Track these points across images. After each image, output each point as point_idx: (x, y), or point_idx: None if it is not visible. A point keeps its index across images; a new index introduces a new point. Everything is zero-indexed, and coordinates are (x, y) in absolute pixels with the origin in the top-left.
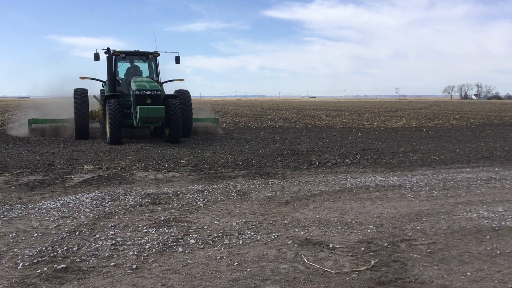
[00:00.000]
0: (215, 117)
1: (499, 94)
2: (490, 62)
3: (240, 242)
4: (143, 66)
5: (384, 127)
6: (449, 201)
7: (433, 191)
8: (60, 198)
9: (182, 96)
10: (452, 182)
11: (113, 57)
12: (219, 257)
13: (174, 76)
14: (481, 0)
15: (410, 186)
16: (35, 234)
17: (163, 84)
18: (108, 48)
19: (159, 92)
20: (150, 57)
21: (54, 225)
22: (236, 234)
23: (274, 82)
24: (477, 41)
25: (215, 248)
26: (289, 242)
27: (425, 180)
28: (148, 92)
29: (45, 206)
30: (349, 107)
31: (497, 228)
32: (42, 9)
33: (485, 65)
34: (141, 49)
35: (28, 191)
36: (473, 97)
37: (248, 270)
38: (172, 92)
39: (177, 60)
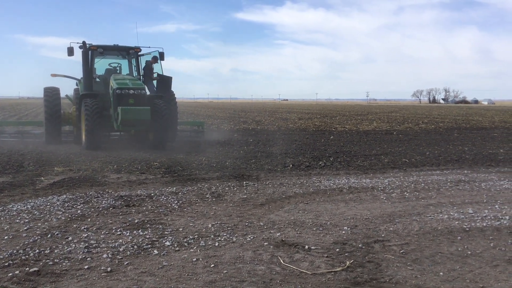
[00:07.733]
0: (200, 120)
1: (466, 98)
2: (457, 67)
3: (216, 244)
4: (123, 63)
5: (355, 130)
6: (421, 202)
7: (405, 193)
8: (30, 200)
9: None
10: (423, 184)
11: (89, 51)
12: (195, 259)
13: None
14: (448, 6)
15: (382, 188)
16: (6, 237)
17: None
18: (83, 42)
19: (144, 91)
20: (131, 53)
21: (25, 228)
22: (212, 236)
23: (247, 85)
24: (445, 46)
25: (191, 250)
26: (265, 243)
27: (397, 182)
28: (131, 91)
29: (15, 209)
30: (321, 110)
31: (467, 229)
32: (7, 7)
33: (453, 70)
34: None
35: None
36: (441, 101)
37: (225, 272)
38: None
39: (161, 56)
